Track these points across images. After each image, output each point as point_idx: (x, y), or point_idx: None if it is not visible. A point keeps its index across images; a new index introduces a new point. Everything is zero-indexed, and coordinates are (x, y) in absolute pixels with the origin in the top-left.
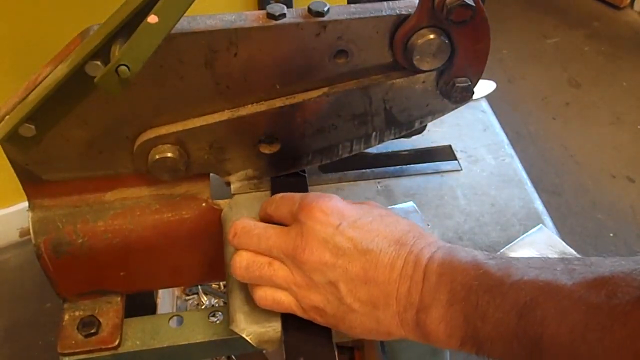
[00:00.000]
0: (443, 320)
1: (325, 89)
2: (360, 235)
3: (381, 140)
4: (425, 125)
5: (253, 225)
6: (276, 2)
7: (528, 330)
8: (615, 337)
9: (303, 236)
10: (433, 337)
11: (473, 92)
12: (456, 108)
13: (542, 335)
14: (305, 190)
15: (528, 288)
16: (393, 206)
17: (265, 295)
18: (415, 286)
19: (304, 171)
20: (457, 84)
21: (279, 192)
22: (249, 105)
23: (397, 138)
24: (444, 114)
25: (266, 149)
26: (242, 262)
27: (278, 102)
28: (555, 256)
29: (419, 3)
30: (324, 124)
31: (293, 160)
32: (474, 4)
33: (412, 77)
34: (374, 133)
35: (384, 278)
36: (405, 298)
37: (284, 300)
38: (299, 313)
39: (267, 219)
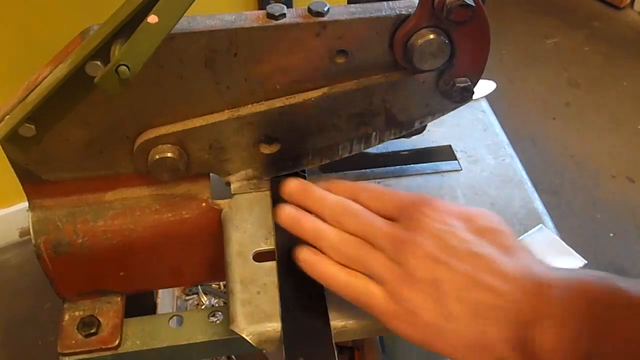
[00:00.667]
0: (556, 336)
1: (325, 89)
2: (471, 238)
3: (381, 140)
4: (425, 126)
5: (357, 207)
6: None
7: None
8: None
9: (415, 230)
10: (544, 356)
11: (473, 92)
12: (456, 108)
13: None
14: None
15: None
16: None
17: (356, 281)
18: (528, 299)
19: (304, 171)
20: (457, 84)
21: (278, 192)
22: (249, 105)
23: (397, 138)
24: (443, 114)
25: (266, 149)
26: (343, 237)
27: (278, 102)
28: (557, 254)
29: (419, 3)
30: (324, 124)
31: (293, 160)
32: (473, 4)
33: (412, 77)
34: (374, 133)
35: (492, 285)
36: (515, 311)
37: (377, 294)
38: (386, 317)
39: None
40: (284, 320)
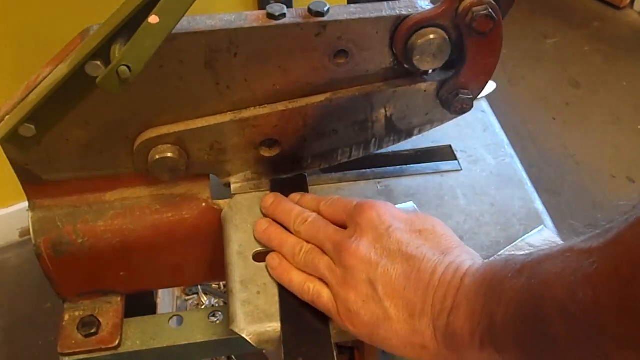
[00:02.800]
0: (468, 318)
1: (328, 94)
2: (408, 239)
3: (380, 147)
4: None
5: (318, 219)
6: (276, 2)
7: (531, 299)
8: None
9: (355, 234)
10: (459, 340)
11: (472, 105)
12: (454, 118)
13: (542, 297)
14: (305, 189)
15: (538, 256)
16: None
17: (309, 284)
18: (451, 291)
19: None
20: (460, 95)
21: (278, 191)
22: (252, 108)
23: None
24: (442, 124)
25: (266, 152)
26: (303, 247)
27: (281, 106)
28: None
29: (443, 1)
30: (325, 129)
31: (292, 164)
32: (497, 18)
33: (413, 86)
34: (374, 140)
35: (424, 284)
36: (440, 304)
37: (325, 296)
38: (334, 316)
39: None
40: (283, 320)
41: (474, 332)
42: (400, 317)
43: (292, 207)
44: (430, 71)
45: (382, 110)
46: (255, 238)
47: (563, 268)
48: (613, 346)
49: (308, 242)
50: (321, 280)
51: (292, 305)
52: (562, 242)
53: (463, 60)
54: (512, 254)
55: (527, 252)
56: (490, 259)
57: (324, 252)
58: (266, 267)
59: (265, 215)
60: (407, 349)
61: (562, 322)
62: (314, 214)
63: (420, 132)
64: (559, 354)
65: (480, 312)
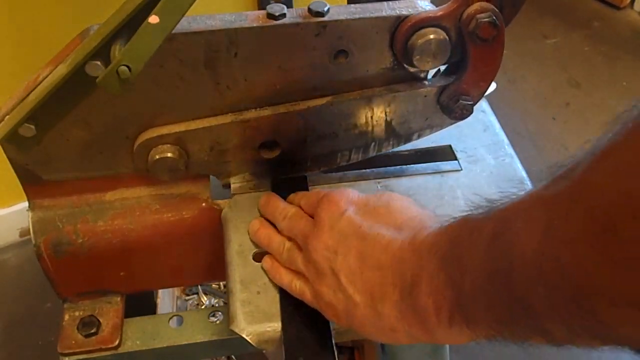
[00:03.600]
0: (432, 293)
1: (329, 98)
2: (361, 220)
3: (379, 151)
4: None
5: (292, 212)
6: (276, 2)
7: (499, 263)
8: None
9: (316, 226)
10: (425, 317)
11: (472, 111)
12: (454, 124)
13: (512, 260)
14: (306, 189)
15: (503, 212)
16: None
17: (295, 281)
18: (408, 265)
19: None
20: (461, 101)
21: (279, 191)
22: (252, 110)
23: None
24: (441, 129)
25: (267, 154)
26: (286, 245)
27: (282, 108)
28: None
29: (448, 4)
30: (325, 132)
31: (292, 166)
32: (500, 25)
33: (414, 91)
34: (373, 143)
35: (379, 263)
36: (400, 282)
37: (306, 290)
38: (319, 309)
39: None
40: (283, 321)
41: (440, 308)
42: (365, 302)
43: (278, 204)
44: (431, 76)
45: (382, 115)
46: (250, 239)
47: (531, 227)
48: (604, 305)
49: (290, 238)
50: (303, 276)
51: (292, 305)
52: None
53: (465, 66)
54: (470, 213)
55: (484, 208)
56: (444, 221)
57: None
58: (261, 267)
59: (261, 215)
60: (380, 333)
61: (539, 288)
62: (295, 209)
63: (419, 137)
64: (538, 321)
65: (444, 285)
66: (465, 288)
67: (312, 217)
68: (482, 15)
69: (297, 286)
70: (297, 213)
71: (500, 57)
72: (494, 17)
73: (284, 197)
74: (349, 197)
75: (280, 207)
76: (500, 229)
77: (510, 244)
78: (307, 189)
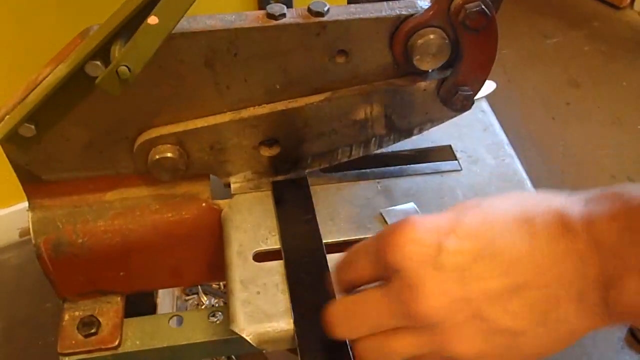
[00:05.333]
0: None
1: (327, 94)
2: (472, 242)
3: (380, 146)
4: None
5: (346, 304)
6: (276, 2)
7: None
8: None
9: (406, 283)
10: (636, 315)
11: (473, 102)
12: (455, 116)
13: None
14: (307, 190)
15: None
16: (393, 207)
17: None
18: (583, 259)
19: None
20: (460, 92)
21: (280, 193)
22: (251, 108)
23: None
24: (442, 122)
25: (266, 152)
26: (364, 351)
27: (280, 106)
28: None
29: (434, 2)
30: (325, 129)
31: (292, 163)
32: (490, 14)
33: (413, 85)
34: (374, 139)
35: (534, 271)
36: (579, 280)
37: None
38: None
39: (350, 288)
40: (296, 321)
41: None
42: (532, 325)
43: (328, 310)
44: (430, 70)
45: (382, 110)
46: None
47: None
48: None
49: (366, 335)
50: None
51: (305, 305)
52: None
53: (460, 57)
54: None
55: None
56: (601, 191)
57: (388, 331)
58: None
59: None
60: (557, 344)
61: None
62: (355, 299)
63: (420, 131)
64: None
65: None
66: None
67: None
68: (471, 5)
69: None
70: (361, 305)
71: (495, 45)
72: (483, 6)
73: (285, 200)
74: (423, 225)
75: (353, 311)
76: None
77: None
78: (308, 191)
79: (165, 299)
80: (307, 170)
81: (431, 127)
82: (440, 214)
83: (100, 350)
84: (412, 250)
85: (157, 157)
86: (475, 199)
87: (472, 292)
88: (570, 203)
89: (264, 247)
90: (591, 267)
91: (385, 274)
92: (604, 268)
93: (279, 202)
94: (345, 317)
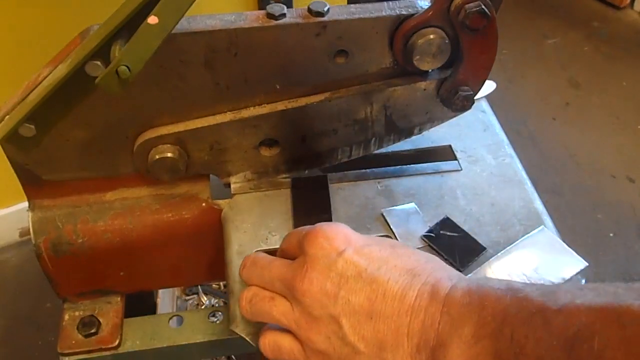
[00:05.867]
0: (465, 356)
1: (327, 94)
2: (366, 262)
3: (380, 146)
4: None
5: (262, 257)
6: (276, 2)
7: None
8: None
9: (304, 264)
10: None
11: (473, 102)
12: (455, 116)
13: None
14: (325, 189)
15: (581, 313)
16: (393, 207)
17: (267, 340)
18: (430, 320)
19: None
20: (460, 92)
21: (298, 191)
22: (252, 108)
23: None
24: (442, 122)
25: (266, 152)
26: (247, 296)
27: (280, 106)
28: (559, 257)
29: (433, 2)
30: (325, 129)
31: (292, 163)
32: (490, 14)
33: (413, 85)
34: (374, 139)
35: (392, 311)
36: (419, 335)
37: (286, 345)
38: (303, 358)
39: (283, 256)
40: None
41: None
42: (370, 351)
43: (248, 258)
44: (430, 70)
45: (382, 110)
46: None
47: (626, 344)
48: None
49: (259, 286)
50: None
51: None
52: (562, 242)
53: (460, 57)
54: (523, 293)
55: (539, 286)
56: (474, 278)
57: (275, 294)
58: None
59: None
60: None
61: None
62: (262, 256)
63: (420, 131)
64: None
65: (488, 356)
66: None
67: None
68: (471, 5)
69: (270, 343)
70: (265, 260)
71: (495, 45)
72: (483, 6)
73: (303, 196)
74: (344, 234)
75: (248, 261)
76: (586, 335)
77: (602, 355)
78: (327, 189)
79: (165, 299)
80: (307, 170)
81: (431, 127)
82: (365, 236)
83: (100, 350)
84: (321, 245)
85: (157, 157)
86: (396, 241)
87: (341, 297)
88: (449, 279)
89: (264, 247)
90: (431, 330)
91: (299, 253)
92: (441, 332)
93: (297, 199)
94: (253, 264)
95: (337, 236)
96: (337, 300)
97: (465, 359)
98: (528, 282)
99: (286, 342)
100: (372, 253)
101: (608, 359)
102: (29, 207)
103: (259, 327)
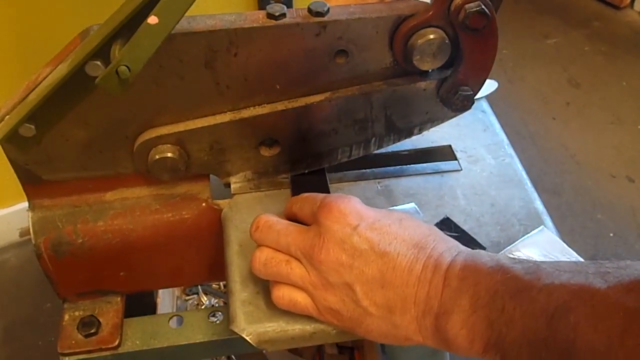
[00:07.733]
0: (465, 326)
1: (327, 94)
2: (378, 237)
3: (380, 146)
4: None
5: (276, 221)
6: (276, 2)
7: (559, 336)
8: None
9: (321, 236)
10: (453, 343)
11: (473, 102)
12: (455, 116)
13: (574, 341)
14: (325, 188)
15: (559, 292)
16: (394, 207)
17: (282, 294)
18: (434, 291)
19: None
20: (460, 92)
21: (299, 189)
22: (251, 108)
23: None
24: (442, 122)
25: (266, 152)
26: (261, 257)
27: (280, 106)
28: (559, 257)
29: (434, 2)
30: (325, 129)
31: (292, 163)
32: (490, 14)
33: (413, 84)
34: (374, 139)
35: (402, 281)
36: (424, 303)
37: (300, 301)
38: (315, 315)
39: (291, 217)
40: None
41: (474, 341)
42: (380, 314)
43: (260, 220)
44: (430, 70)
45: (382, 110)
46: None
47: (604, 329)
48: None
49: (274, 249)
50: (291, 285)
51: None
52: (562, 242)
53: (460, 57)
54: (511, 273)
55: (524, 264)
56: (469, 251)
57: (290, 257)
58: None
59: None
60: (390, 339)
61: None
62: (276, 221)
63: (420, 131)
64: None
65: (483, 325)
66: (509, 339)
67: (300, 222)
68: (471, 5)
69: (285, 297)
70: (281, 225)
71: (495, 45)
72: (483, 6)
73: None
74: (357, 210)
75: (261, 223)
76: (564, 310)
77: (576, 327)
78: (327, 188)
79: (165, 299)
80: (307, 170)
81: (431, 127)
82: (375, 210)
83: (100, 350)
84: (337, 218)
85: (157, 157)
86: (403, 213)
87: (355, 267)
88: (449, 253)
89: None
90: (435, 299)
91: (312, 221)
92: (443, 302)
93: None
94: (268, 227)
95: (352, 211)
96: (352, 269)
97: (464, 325)
98: None
99: (300, 297)
100: (382, 228)
101: (580, 331)
102: (29, 207)
103: (259, 327)
